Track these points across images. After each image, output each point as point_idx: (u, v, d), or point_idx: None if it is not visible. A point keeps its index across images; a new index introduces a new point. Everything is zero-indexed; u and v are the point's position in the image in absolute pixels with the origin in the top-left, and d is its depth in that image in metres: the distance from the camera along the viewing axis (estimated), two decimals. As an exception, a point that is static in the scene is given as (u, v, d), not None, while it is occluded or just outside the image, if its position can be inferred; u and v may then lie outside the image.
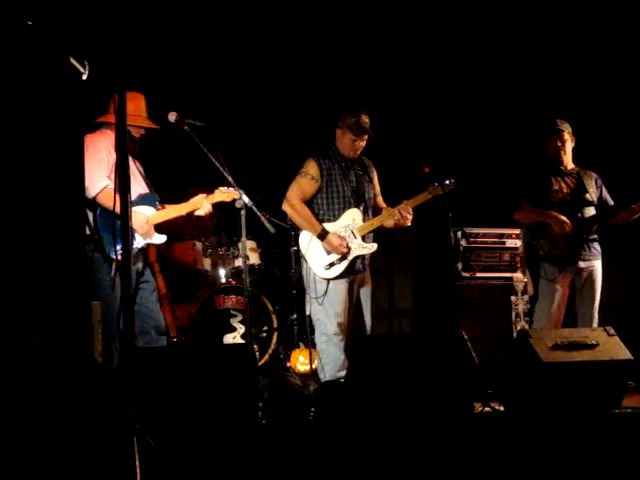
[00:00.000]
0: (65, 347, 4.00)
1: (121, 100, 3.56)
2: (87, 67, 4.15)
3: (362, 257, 5.89)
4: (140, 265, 5.58)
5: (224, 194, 5.79)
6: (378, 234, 6.00)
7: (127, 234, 3.53)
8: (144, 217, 5.54)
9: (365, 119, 5.85)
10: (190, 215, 5.91)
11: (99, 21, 4.11)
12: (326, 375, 5.70)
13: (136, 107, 5.53)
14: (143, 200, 5.61)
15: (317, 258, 5.84)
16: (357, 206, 5.90)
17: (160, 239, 5.62)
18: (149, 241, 5.58)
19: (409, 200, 5.89)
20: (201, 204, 5.74)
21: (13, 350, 3.81)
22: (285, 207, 5.95)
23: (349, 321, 5.82)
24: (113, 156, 5.35)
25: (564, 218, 6.24)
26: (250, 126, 8.09)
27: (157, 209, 5.65)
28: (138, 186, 5.61)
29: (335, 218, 5.87)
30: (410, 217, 5.86)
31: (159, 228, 5.68)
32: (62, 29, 4.12)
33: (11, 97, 3.95)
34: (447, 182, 5.85)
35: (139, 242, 5.51)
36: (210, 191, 5.85)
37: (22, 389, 3.69)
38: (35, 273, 3.98)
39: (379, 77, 7.76)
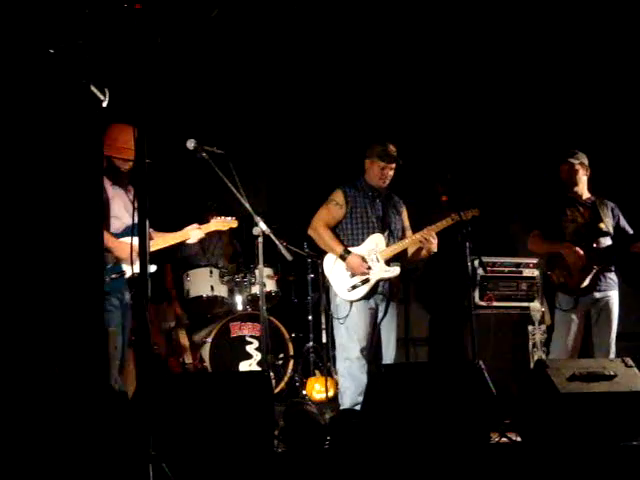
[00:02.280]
0: (81, 374, 4.00)
1: (141, 130, 3.58)
2: (107, 94, 4.19)
3: (386, 282, 5.93)
4: (128, 297, 5.59)
5: (220, 223, 5.97)
6: (406, 262, 6.05)
7: (145, 262, 3.54)
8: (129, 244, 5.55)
9: (392, 147, 6.01)
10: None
11: (120, 50, 4.15)
12: (347, 400, 5.73)
13: (125, 140, 5.53)
14: (132, 231, 5.62)
15: (341, 280, 5.92)
16: (381, 232, 5.98)
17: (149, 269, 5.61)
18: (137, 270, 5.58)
19: (431, 226, 5.93)
20: (190, 235, 5.84)
21: (30, 377, 3.82)
22: (310, 232, 6.09)
23: (370, 348, 5.85)
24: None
25: (578, 249, 6.21)
26: (268, 154, 8.13)
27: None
28: (129, 217, 5.63)
29: (359, 244, 5.97)
30: (435, 241, 5.91)
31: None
32: (83, 57, 4.16)
33: (33, 124, 3.99)
34: (470, 210, 5.90)
35: (128, 271, 5.52)
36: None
37: (39, 416, 3.70)
38: (52, 300, 4.00)
39: (396, 107, 7.79)
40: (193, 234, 5.86)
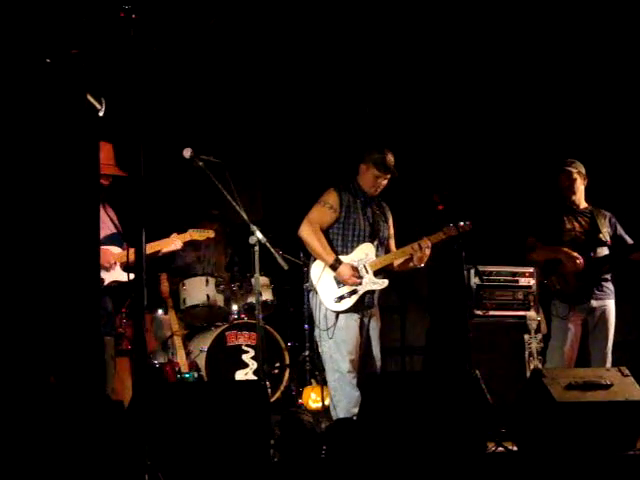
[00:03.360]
0: (77, 383, 4.00)
1: (139, 137, 3.59)
2: (104, 104, 4.19)
3: (372, 293, 5.85)
4: (109, 306, 5.64)
5: (196, 233, 6.16)
6: (392, 271, 5.99)
7: (141, 272, 3.55)
8: (110, 253, 5.68)
9: (391, 157, 5.88)
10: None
11: (116, 59, 4.16)
12: (340, 412, 5.64)
13: (105, 156, 5.60)
14: (109, 240, 5.72)
15: (328, 290, 5.80)
16: (371, 241, 5.89)
17: (124, 276, 5.66)
18: (115, 278, 5.66)
19: (425, 238, 5.85)
20: (168, 244, 6.02)
21: (26, 386, 3.82)
22: (301, 233, 5.89)
23: (359, 359, 5.79)
24: None
25: (576, 254, 6.23)
26: (264, 163, 8.14)
27: (123, 249, 5.75)
28: (106, 228, 5.73)
29: (349, 252, 5.85)
30: (428, 252, 5.79)
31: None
32: (80, 67, 4.17)
33: (30, 132, 3.99)
34: (462, 224, 5.80)
35: (107, 279, 5.57)
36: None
37: (34, 425, 3.69)
38: (48, 308, 3.99)
39: (395, 118, 7.80)
40: (174, 243, 5.98)
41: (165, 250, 6.06)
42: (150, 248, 5.81)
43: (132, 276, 5.52)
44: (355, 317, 5.79)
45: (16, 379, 3.82)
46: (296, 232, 5.92)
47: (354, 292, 5.77)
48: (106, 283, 5.62)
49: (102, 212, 5.69)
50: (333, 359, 5.77)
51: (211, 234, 6.22)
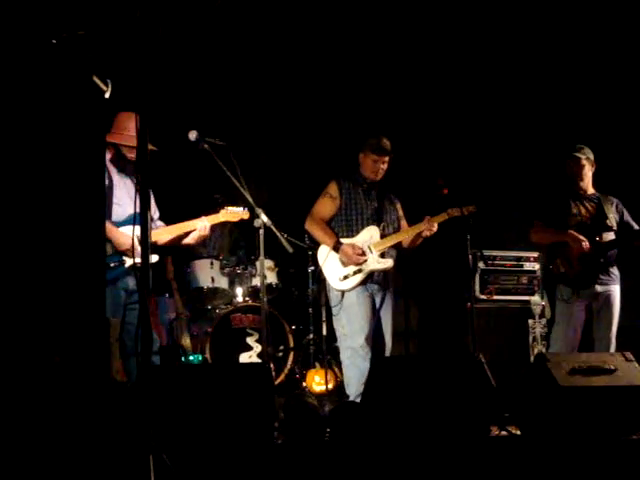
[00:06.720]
0: (82, 364, 4.01)
1: (143, 120, 3.58)
2: (110, 85, 4.19)
3: (380, 273, 5.95)
4: (131, 284, 5.44)
5: (230, 214, 5.80)
6: (397, 256, 6.03)
7: (147, 253, 3.55)
8: (126, 237, 5.29)
9: (386, 141, 6.03)
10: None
11: (122, 40, 4.15)
12: (352, 390, 5.76)
13: (134, 127, 5.46)
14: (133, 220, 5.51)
15: (333, 270, 5.94)
16: (376, 224, 6.01)
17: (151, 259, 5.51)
18: (137, 260, 5.51)
19: (431, 218, 5.96)
20: (196, 226, 5.63)
21: (31, 366, 3.83)
22: (306, 225, 6.10)
23: (372, 335, 5.85)
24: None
25: (582, 237, 6.22)
26: (269, 146, 8.13)
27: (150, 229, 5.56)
28: (131, 204, 5.45)
29: (354, 235, 5.99)
30: (434, 229, 5.95)
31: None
32: (86, 48, 4.16)
33: (35, 115, 3.99)
34: (466, 206, 5.90)
35: (128, 261, 5.43)
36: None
37: (39, 405, 3.70)
38: (53, 290, 4.00)
39: (398, 102, 7.79)
40: (199, 225, 5.68)
41: (195, 236, 5.65)
42: (178, 229, 5.64)
43: (156, 258, 5.43)
44: (366, 294, 5.92)
45: (21, 359, 3.83)
46: (301, 215, 6.03)
47: (359, 271, 5.88)
48: (127, 265, 5.45)
49: (131, 187, 5.42)
50: (346, 336, 5.89)
51: (245, 215, 5.86)
